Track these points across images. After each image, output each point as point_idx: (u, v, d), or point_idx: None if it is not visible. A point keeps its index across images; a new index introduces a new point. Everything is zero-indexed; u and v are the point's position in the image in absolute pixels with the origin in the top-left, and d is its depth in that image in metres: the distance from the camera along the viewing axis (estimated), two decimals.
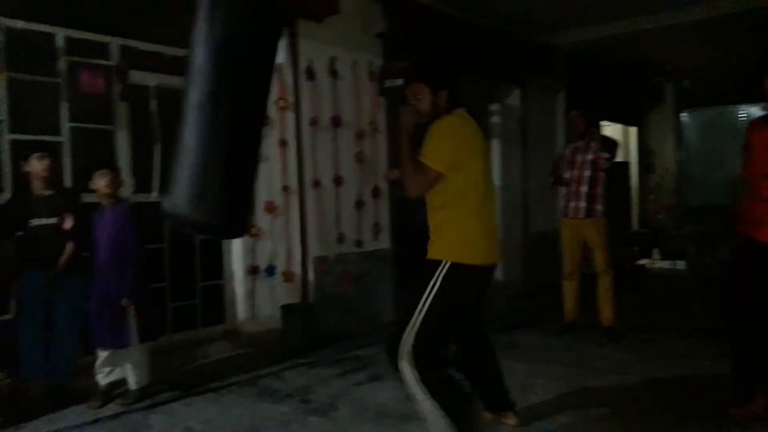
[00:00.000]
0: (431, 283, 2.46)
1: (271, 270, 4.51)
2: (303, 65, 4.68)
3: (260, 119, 2.24)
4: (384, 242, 5.30)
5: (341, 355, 4.29)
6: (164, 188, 2.05)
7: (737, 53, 7.44)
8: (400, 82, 5.06)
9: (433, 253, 2.54)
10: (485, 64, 6.21)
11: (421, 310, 2.44)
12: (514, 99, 6.92)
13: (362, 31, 5.07)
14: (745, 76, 8.45)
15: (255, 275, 4.41)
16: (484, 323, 2.95)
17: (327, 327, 4.63)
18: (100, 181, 3.37)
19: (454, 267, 2.46)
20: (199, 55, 2.04)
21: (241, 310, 4.46)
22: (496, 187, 2.74)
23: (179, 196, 1.99)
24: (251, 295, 4.43)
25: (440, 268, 2.46)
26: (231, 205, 2.05)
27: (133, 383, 3.45)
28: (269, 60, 2.20)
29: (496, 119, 6.90)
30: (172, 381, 3.69)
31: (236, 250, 4.44)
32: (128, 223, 3.40)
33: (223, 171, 2.02)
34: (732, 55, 7.68)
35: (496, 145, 6.86)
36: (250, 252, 4.41)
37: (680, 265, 7.45)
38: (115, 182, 3.44)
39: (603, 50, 7.38)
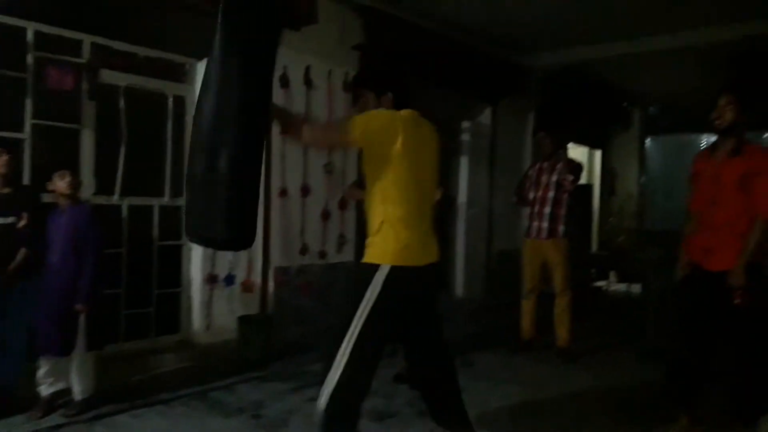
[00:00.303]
0: (369, 289, 2.29)
1: (230, 279, 4.44)
2: (277, 72, 4.63)
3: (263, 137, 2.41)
4: (348, 255, 5.26)
5: (298, 369, 4.24)
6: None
7: (703, 83, 7.65)
8: None
9: (368, 257, 2.37)
10: (459, 80, 6.25)
11: (358, 320, 2.28)
12: (485, 117, 6.98)
13: (339, 42, 5.03)
14: (709, 106, 8.73)
15: (213, 284, 4.33)
16: (441, 337, 2.69)
17: (285, 339, 4.57)
18: (60, 182, 3.26)
19: (397, 270, 2.31)
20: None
21: (197, 319, 4.37)
22: (437, 190, 2.64)
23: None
24: (208, 304, 4.35)
25: (379, 273, 2.31)
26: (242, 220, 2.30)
27: (77, 393, 3.33)
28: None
29: (466, 136, 6.94)
30: (120, 392, 3.59)
31: (195, 258, 4.36)
32: (88, 226, 3.29)
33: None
34: (698, 85, 7.89)
35: (464, 162, 6.89)
36: (210, 260, 4.32)
37: (636, 288, 7.63)
38: (75, 184, 3.33)
39: (574, 73, 7.50)
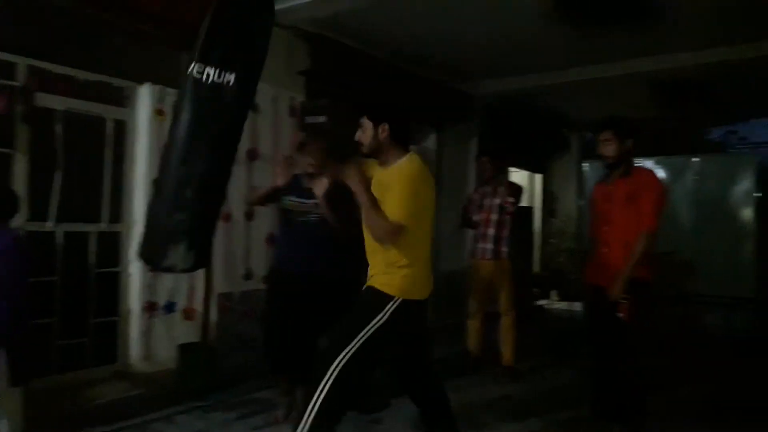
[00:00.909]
0: (378, 315, 2.57)
1: (170, 307, 4.32)
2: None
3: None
4: None
5: (242, 398, 4.15)
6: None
7: (636, 111, 8.06)
8: (321, 119, 5.09)
9: (383, 286, 2.62)
10: (404, 106, 6.35)
11: (360, 339, 2.54)
12: (431, 142, 7.11)
13: (285, 66, 5.05)
14: (640, 132, 9.18)
15: (153, 312, 4.21)
16: (429, 356, 3.01)
17: (229, 368, 4.47)
18: None
19: (405, 304, 2.60)
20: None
21: (136, 349, 4.22)
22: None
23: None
24: (147, 333, 4.22)
25: (391, 304, 2.58)
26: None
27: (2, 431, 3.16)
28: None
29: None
30: (54, 426, 3.42)
31: (134, 285, 4.23)
32: (13, 254, 3.14)
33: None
34: (631, 112, 8.30)
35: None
36: (148, 287, 4.21)
37: (576, 306, 7.86)
38: None
39: (516, 101, 7.76)
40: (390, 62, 6.11)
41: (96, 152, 4.15)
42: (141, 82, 4.26)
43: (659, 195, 3.27)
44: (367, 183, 2.65)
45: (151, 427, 3.57)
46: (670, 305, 6.93)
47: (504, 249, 4.87)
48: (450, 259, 7.15)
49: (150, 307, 4.20)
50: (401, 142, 2.71)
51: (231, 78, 2.64)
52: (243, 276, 4.79)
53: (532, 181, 9.81)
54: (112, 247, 4.21)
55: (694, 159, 7.74)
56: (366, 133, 2.73)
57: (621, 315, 3.17)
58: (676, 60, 6.00)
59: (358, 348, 2.52)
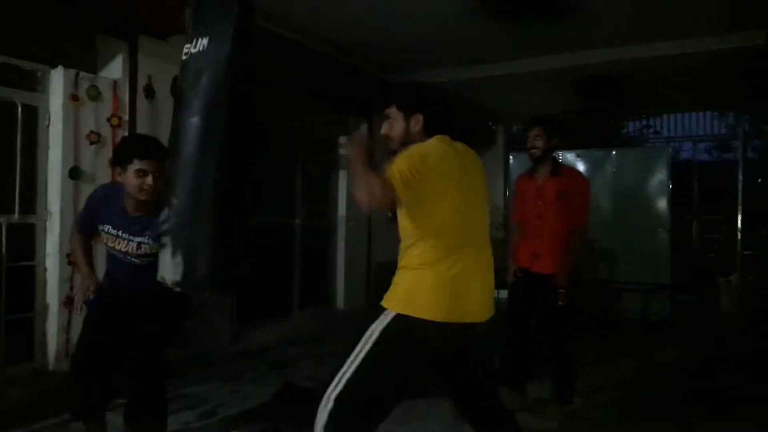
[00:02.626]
0: (364, 337, 2.03)
1: (92, 302, 4.11)
2: (142, 83, 4.42)
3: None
4: None
5: (170, 393, 4.01)
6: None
7: (560, 104, 8.34)
8: None
9: (384, 300, 2.09)
10: (335, 95, 6.34)
11: (346, 371, 2.02)
12: (362, 132, 7.11)
13: None
14: (564, 125, 9.52)
15: (72, 307, 3.99)
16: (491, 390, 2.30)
17: None
18: None
19: (408, 322, 1.98)
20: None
21: (54, 346, 4.00)
22: (485, 232, 2.23)
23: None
24: (66, 329, 3.99)
25: (383, 318, 2.02)
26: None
27: None
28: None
29: (344, 150, 7.00)
30: None
31: (51, 279, 4.01)
32: None
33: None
34: (555, 106, 8.59)
35: (342, 176, 6.97)
36: (67, 282, 3.99)
37: (503, 294, 8.06)
38: None
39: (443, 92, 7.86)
40: (318, 50, 6.07)
41: (5, 139, 3.90)
42: (54, 65, 4.03)
43: (588, 194, 3.65)
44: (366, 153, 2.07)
45: (71, 426, 3.40)
46: (591, 291, 7.24)
47: None
48: (383, 249, 7.18)
49: (69, 302, 3.98)
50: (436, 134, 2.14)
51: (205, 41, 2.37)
52: None
53: None
54: (25, 239, 3.96)
55: (613, 152, 8.08)
56: (395, 125, 2.24)
57: (561, 303, 3.47)
58: (594, 56, 6.26)
59: (349, 378, 2.02)
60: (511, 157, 9.76)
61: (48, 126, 4.05)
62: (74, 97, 4.03)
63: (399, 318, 1.99)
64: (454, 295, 2.00)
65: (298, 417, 3.63)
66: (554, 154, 3.68)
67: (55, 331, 4.00)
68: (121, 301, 2.84)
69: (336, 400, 1.98)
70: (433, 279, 2.00)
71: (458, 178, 2.07)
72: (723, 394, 4.33)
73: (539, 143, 3.60)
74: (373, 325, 2.02)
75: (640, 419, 3.77)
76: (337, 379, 2.02)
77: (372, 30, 5.63)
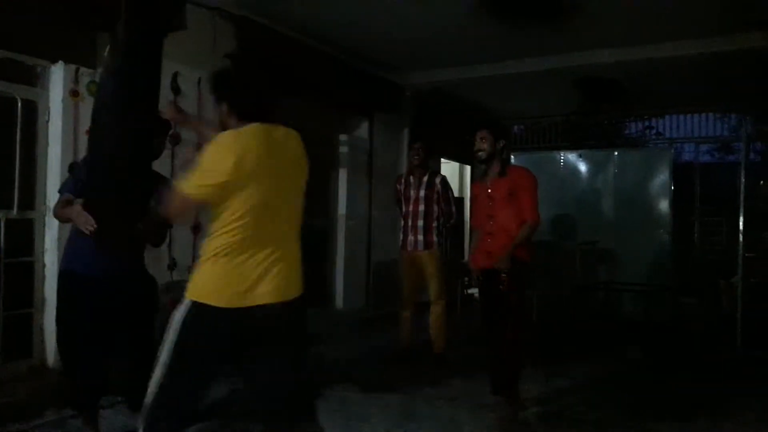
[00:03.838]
0: (169, 326, 2.09)
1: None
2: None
3: None
4: None
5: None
6: None
7: (561, 104, 8.33)
8: None
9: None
10: (335, 95, 6.33)
11: (160, 358, 2.07)
12: (363, 131, 7.10)
13: (210, 49, 4.89)
14: (566, 125, 9.50)
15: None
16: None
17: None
18: None
19: (198, 308, 2.08)
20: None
21: (52, 342, 3.98)
22: (297, 212, 2.36)
23: None
24: None
25: (180, 309, 2.09)
26: None
27: None
28: None
29: (344, 149, 7.01)
30: None
31: (50, 276, 3.99)
32: None
33: None
34: (556, 106, 8.58)
35: (343, 175, 6.95)
36: None
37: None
38: None
39: (446, 92, 7.86)
40: (320, 49, 6.06)
41: (5, 134, 3.89)
42: (54, 60, 4.02)
43: (534, 190, 3.70)
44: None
45: (69, 423, 3.39)
46: (592, 292, 7.22)
47: (433, 239, 4.91)
48: (382, 248, 7.17)
49: None
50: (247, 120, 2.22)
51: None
52: (167, 266, 4.62)
53: (462, 172, 9.97)
54: (24, 235, 3.95)
55: (615, 153, 8.05)
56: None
57: (501, 287, 3.56)
58: (596, 57, 6.26)
59: (167, 361, 2.06)
60: (512, 157, 9.74)
61: (48, 121, 4.04)
62: (74, 93, 4.02)
63: (192, 305, 2.09)
64: (240, 282, 2.09)
65: None
66: (503, 159, 3.76)
67: (53, 327, 3.97)
68: (98, 283, 2.82)
69: (155, 386, 2.08)
70: (221, 268, 2.10)
71: (258, 173, 2.11)
72: (724, 396, 4.32)
73: (485, 145, 3.69)
74: (175, 315, 2.11)
75: (638, 420, 3.75)
76: (156, 367, 2.09)
77: (373, 30, 5.62)
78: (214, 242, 2.10)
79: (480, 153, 3.72)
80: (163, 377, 2.06)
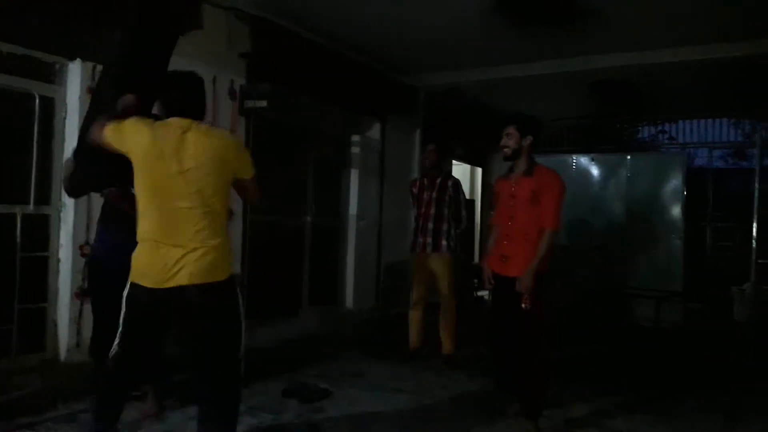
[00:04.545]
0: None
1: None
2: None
3: None
4: (234, 267, 5.09)
5: (179, 386, 4.03)
6: None
7: (573, 108, 8.30)
8: (263, 103, 5.00)
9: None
10: (348, 95, 6.35)
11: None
12: (375, 132, 7.11)
13: (226, 48, 4.93)
14: (578, 128, 9.46)
15: (84, 298, 4.00)
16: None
17: (166, 356, 4.32)
18: None
19: (132, 287, 2.54)
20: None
21: (65, 337, 4.03)
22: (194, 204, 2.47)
23: None
24: (78, 320, 4.02)
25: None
26: None
27: None
28: None
29: (356, 150, 7.03)
30: None
31: (64, 270, 4.04)
32: None
33: None
34: (569, 109, 8.55)
35: (354, 175, 6.97)
36: (80, 273, 4.00)
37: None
38: None
39: (458, 94, 7.86)
40: (334, 50, 6.07)
41: (23, 130, 3.93)
42: (72, 58, 4.06)
43: (560, 195, 3.45)
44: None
45: (80, 417, 3.41)
46: (602, 298, 7.18)
47: (444, 242, 4.91)
48: (392, 249, 7.17)
49: (81, 294, 4.00)
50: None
51: None
52: None
53: (473, 175, 9.97)
54: (40, 230, 3.99)
55: (627, 157, 8.01)
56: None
57: (524, 306, 3.35)
58: (610, 60, 6.23)
59: (120, 329, 2.56)
60: None
61: (65, 118, 4.08)
62: (91, 90, 4.05)
63: (130, 284, 2.54)
64: (152, 262, 2.46)
65: (306, 413, 3.67)
66: (530, 156, 3.53)
67: (66, 322, 4.03)
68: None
69: (114, 347, 2.57)
70: (141, 248, 2.51)
71: (149, 160, 2.46)
72: (735, 403, 4.29)
73: (511, 142, 3.47)
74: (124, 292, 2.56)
75: (647, 427, 3.73)
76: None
77: (388, 31, 5.63)
78: (139, 226, 2.52)
79: (505, 149, 3.50)
80: (118, 341, 2.56)
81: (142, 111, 2.74)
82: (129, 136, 2.50)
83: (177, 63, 4.47)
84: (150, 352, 2.85)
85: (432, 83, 7.38)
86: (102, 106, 2.87)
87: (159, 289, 2.45)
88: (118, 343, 2.56)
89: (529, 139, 3.47)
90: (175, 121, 2.49)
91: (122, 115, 2.62)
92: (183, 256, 2.43)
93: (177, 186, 2.44)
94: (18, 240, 3.89)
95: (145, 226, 2.50)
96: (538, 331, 3.44)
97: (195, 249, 2.44)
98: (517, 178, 3.52)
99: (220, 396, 2.63)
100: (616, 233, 7.61)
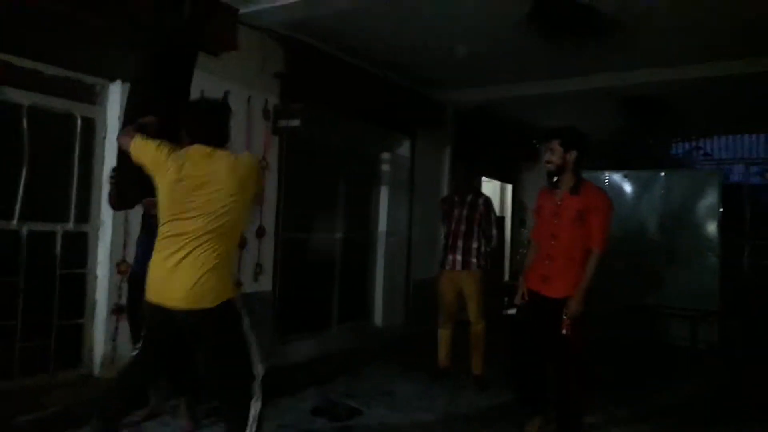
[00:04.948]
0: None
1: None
2: (195, 96, 4.52)
3: None
4: (266, 284, 5.16)
5: (209, 404, 4.06)
6: None
7: (605, 124, 8.21)
8: (296, 122, 5.07)
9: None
10: (379, 113, 6.39)
11: None
12: (405, 149, 7.13)
13: (260, 69, 5.01)
14: (610, 145, 9.33)
15: (120, 315, 4.06)
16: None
17: (197, 373, 4.36)
18: None
19: (146, 303, 2.68)
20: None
21: (101, 352, 4.10)
22: (212, 229, 2.58)
23: None
24: (114, 336, 4.09)
25: None
26: None
27: None
28: None
29: (386, 167, 7.06)
30: (15, 430, 3.30)
31: (101, 287, 4.12)
32: None
33: None
34: (600, 125, 8.45)
35: (384, 192, 6.99)
36: (117, 290, 4.08)
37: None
38: None
39: (488, 110, 7.84)
40: (364, 68, 6.13)
41: (63, 150, 4.05)
42: (112, 79, 4.17)
43: (609, 216, 3.34)
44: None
45: None
46: (635, 316, 7.05)
47: (473, 260, 4.88)
48: (422, 266, 7.16)
49: (118, 310, 4.07)
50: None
51: None
52: None
53: (503, 191, 9.91)
54: (78, 247, 4.09)
55: (661, 173, 7.88)
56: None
57: (564, 332, 3.25)
58: (642, 76, 6.15)
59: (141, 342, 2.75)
60: None
61: (104, 138, 4.19)
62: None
63: (145, 300, 2.67)
64: (160, 280, 2.58)
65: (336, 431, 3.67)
66: (577, 172, 3.40)
67: (102, 338, 4.10)
68: None
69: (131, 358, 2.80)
70: (152, 265, 2.64)
71: (168, 183, 2.61)
72: None
73: (554, 157, 3.36)
74: None
75: None
76: None
77: (417, 48, 5.66)
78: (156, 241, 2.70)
79: (548, 165, 3.40)
80: (140, 344, 2.75)
81: (164, 131, 2.87)
82: (151, 155, 2.68)
83: (213, 83, 4.60)
84: (165, 363, 2.99)
85: (461, 99, 7.38)
86: (130, 120, 3.08)
87: (160, 305, 2.60)
88: (139, 346, 2.75)
89: (573, 154, 3.35)
90: (197, 148, 2.65)
91: (141, 129, 2.82)
92: (184, 277, 2.53)
93: (188, 208, 2.57)
94: (57, 257, 3.99)
95: (157, 242, 2.65)
96: (577, 352, 3.34)
97: (195, 272, 2.54)
98: (563, 196, 3.39)
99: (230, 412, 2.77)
100: (650, 250, 7.48)
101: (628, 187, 7.75)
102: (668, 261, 7.36)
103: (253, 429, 2.62)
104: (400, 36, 5.38)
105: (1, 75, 3.64)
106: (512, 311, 8.42)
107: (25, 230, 3.82)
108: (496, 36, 5.27)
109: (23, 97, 3.77)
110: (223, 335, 2.65)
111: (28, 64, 3.76)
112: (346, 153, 6.55)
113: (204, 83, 4.52)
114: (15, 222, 3.76)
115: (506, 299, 8.26)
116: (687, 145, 11.10)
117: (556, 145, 3.36)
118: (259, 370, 2.68)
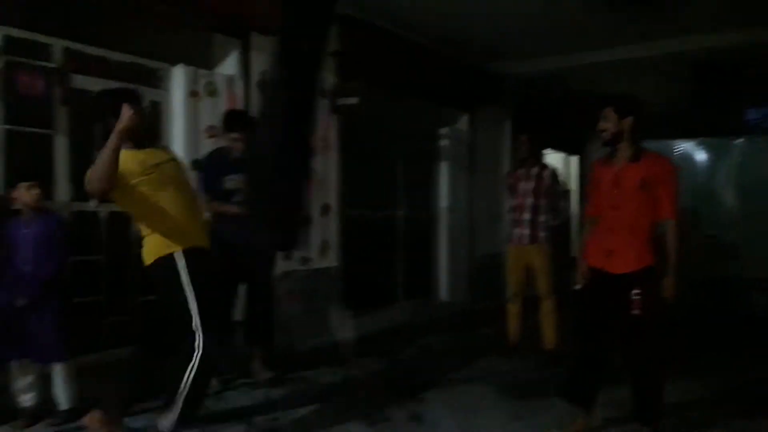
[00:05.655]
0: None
1: None
2: (255, 78, 4.59)
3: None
4: (331, 260, 5.22)
5: (284, 376, 4.15)
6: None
7: (675, 91, 7.83)
8: (354, 100, 5.06)
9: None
10: (436, 88, 6.31)
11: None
12: (463, 124, 7.03)
13: None
14: (681, 113, 8.94)
15: None
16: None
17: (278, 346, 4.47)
18: (26, 194, 3.12)
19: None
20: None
21: None
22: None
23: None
24: None
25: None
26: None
27: (62, 402, 3.21)
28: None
29: (445, 143, 6.98)
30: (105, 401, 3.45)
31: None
32: (52, 238, 3.18)
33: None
34: (670, 92, 8.07)
35: (444, 168, 6.93)
36: None
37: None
38: (41, 196, 3.18)
39: (548, 81, 7.62)
40: (420, 43, 6.05)
41: None
42: (174, 63, 4.27)
43: (676, 182, 3.14)
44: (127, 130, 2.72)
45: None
46: (714, 288, 6.74)
47: (541, 234, 4.76)
48: (485, 241, 7.07)
49: None
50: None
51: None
52: (282, 257, 4.77)
53: (568, 163, 9.63)
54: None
55: (736, 141, 7.46)
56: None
57: (636, 312, 3.03)
58: (711, 40, 5.83)
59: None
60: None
61: (170, 119, 4.30)
62: (193, 93, 4.26)
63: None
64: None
65: (408, 404, 3.67)
66: (634, 137, 3.18)
67: None
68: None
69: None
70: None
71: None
72: None
73: (609, 124, 3.16)
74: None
75: None
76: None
77: (474, 19, 5.54)
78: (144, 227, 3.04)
79: (603, 133, 3.20)
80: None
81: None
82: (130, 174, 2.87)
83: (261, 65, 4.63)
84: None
85: (521, 71, 7.20)
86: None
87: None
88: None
89: (629, 121, 3.15)
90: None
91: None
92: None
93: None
94: (135, 236, 4.12)
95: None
96: (653, 333, 3.12)
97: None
98: (622, 165, 3.19)
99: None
100: (727, 222, 7.13)
101: (701, 156, 7.40)
102: (747, 231, 7.01)
103: (190, 378, 2.80)
104: (456, 8, 5.27)
105: (73, 64, 3.79)
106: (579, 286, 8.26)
107: (103, 211, 4.00)
108: (555, 4, 5.09)
109: (93, 84, 3.90)
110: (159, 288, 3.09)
111: (95, 51, 3.91)
112: (404, 130, 6.52)
113: (262, 63, 4.59)
114: (94, 204, 3.91)
115: (573, 274, 8.06)
116: (761, 111, 10.50)
117: (610, 112, 3.16)
118: (197, 322, 2.81)
